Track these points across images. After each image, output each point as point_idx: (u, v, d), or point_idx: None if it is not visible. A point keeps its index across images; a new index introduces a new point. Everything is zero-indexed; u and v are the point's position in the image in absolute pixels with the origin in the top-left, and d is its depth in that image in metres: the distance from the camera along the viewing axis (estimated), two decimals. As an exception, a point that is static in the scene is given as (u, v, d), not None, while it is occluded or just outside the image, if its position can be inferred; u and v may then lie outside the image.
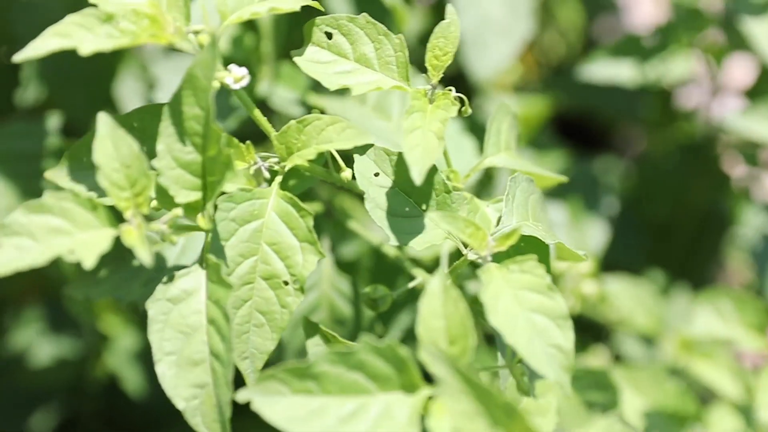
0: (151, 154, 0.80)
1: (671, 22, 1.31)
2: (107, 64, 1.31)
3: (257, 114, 0.85)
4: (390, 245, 1.00)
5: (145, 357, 1.43)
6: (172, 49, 1.39)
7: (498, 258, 0.82)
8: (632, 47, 1.30)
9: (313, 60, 0.85)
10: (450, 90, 0.84)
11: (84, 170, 0.84)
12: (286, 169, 0.84)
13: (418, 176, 0.79)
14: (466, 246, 0.83)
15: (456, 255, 1.02)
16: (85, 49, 0.75)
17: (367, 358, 0.72)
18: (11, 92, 1.33)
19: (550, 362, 0.75)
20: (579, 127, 1.68)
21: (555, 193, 1.35)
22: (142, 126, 0.84)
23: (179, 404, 0.78)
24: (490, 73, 1.32)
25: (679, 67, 1.28)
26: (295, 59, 0.85)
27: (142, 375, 1.43)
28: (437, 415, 0.72)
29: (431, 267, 1.02)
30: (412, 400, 0.73)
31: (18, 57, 0.75)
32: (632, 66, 1.29)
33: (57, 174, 0.85)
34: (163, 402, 1.41)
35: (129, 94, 1.38)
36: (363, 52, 0.85)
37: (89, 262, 0.73)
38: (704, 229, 1.49)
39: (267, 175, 0.84)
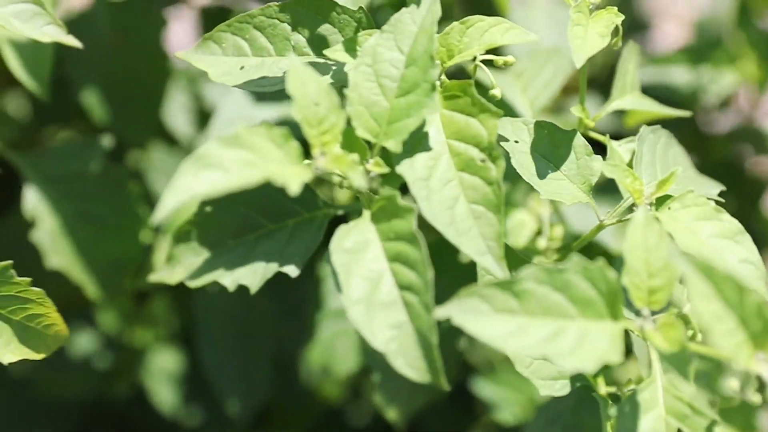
0: (298, 47, 0.84)
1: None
2: (157, 77, 1.30)
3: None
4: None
5: (175, 372, 1.40)
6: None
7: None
8: (686, 56, 1.35)
9: None
10: (614, 7, 0.86)
11: (220, 55, 0.86)
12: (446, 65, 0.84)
13: (578, 62, 0.81)
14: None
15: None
16: None
17: (574, 279, 0.72)
18: (62, 107, 1.31)
19: (744, 276, 0.78)
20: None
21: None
22: (295, 19, 0.85)
23: (379, 347, 0.75)
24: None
25: (727, 78, 1.33)
26: None
27: (170, 390, 1.39)
28: (656, 341, 0.73)
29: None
30: (612, 328, 0.73)
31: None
32: (686, 72, 1.34)
33: (191, 55, 0.86)
34: (184, 419, 1.38)
35: (177, 109, 1.38)
36: None
37: (294, 187, 0.72)
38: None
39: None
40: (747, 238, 0.80)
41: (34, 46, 1.09)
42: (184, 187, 0.71)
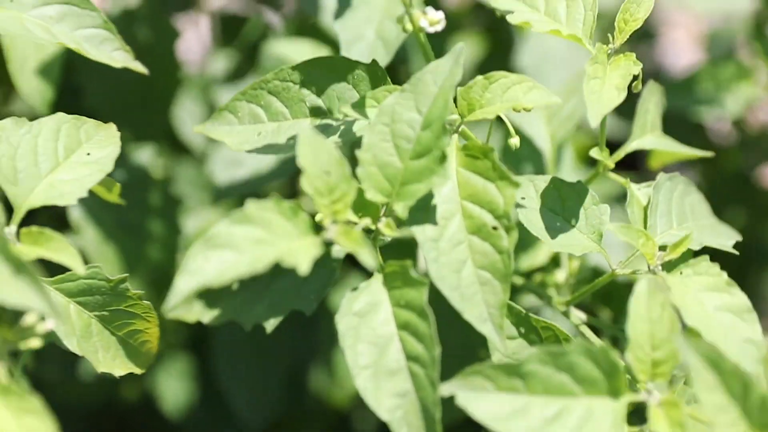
0: (314, 109, 0.84)
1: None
2: (168, 86, 1.29)
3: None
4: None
5: (184, 380, 1.42)
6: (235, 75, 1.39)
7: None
8: (703, 77, 1.34)
9: (509, 6, 0.86)
10: (632, 53, 0.85)
11: (236, 125, 0.86)
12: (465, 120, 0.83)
13: (593, 120, 0.80)
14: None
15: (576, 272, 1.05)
16: None
17: (578, 360, 0.73)
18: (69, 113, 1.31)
19: (744, 356, 0.78)
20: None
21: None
22: (308, 80, 0.85)
23: (384, 416, 0.76)
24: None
25: (744, 91, 1.32)
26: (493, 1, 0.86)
27: (179, 397, 1.41)
28: (658, 421, 0.73)
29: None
30: (616, 405, 0.73)
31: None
32: (705, 92, 1.34)
33: (209, 128, 0.87)
34: (192, 426, 1.40)
35: (187, 117, 1.37)
36: (554, 6, 0.86)
37: (304, 267, 0.72)
38: (746, 263, 1.49)
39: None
40: (754, 317, 0.80)
41: (42, 64, 1.09)
42: (195, 270, 0.71)
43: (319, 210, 0.76)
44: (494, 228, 0.79)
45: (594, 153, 0.91)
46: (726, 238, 0.93)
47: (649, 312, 0.75)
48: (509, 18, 0.85)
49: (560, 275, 1.02)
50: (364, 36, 0.99)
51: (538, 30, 0.85)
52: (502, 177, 0.79)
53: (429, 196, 0.80)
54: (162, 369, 1.40)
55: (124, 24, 1.26)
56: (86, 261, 1.15)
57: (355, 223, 0.79)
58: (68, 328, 0.84)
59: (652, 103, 0.98)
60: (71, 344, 0.84)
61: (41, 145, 0.83)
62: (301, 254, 0.73)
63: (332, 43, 1.19)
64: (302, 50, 1.19)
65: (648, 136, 0.97)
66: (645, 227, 0.88)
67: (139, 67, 0.90)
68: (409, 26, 0.81)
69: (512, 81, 0.82)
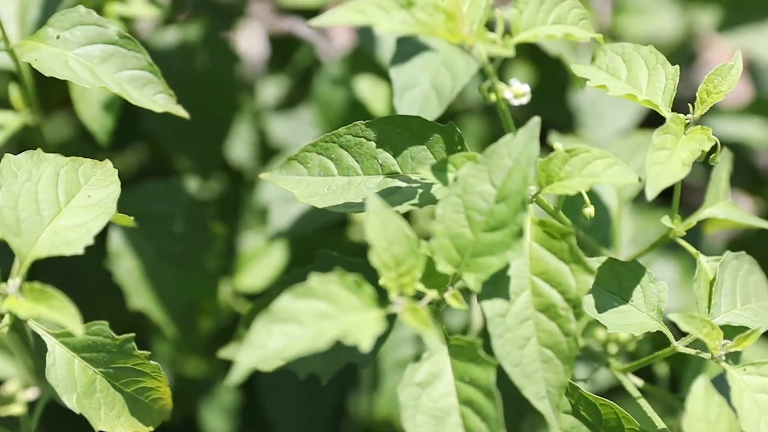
0: (387, 166, 0.84)
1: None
2: (225, 114, 1.28)
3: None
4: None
5: (229, 404, 1.41)
6: (278, 105, 1.37)
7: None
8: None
9: (588, 74, 0.86)
10: (708, 128, 0.83)
11: (306, 176, 0.85)
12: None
13: (650, 193, 0.78)
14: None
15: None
16: (380, 28, 0.73)
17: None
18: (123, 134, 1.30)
19: None
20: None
21: (664, 250, 1.35)
22: (382, 137, 0.84)
23: None
24: (606, 138, 1.33)
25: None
26: (572, 66, 0.87)
27: (223, 421, 1.40)
28: None
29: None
30: None
31: (315, 22, 0.73)
32: (762, 126, 1.31)
33: (277, 176, 0.85)
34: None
35: (240, 143, 1.36)
36: (636, 74, 0.85)
37: (366, 344, 0.70)
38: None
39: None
40: None
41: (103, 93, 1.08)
42: (258, 344, 0.69)
43: (385, 283, 0.74)
44: (563, 309, 0.77)
45: (665, 221, 0.90)
46: None
47: (706, 412, 0.75)
48: (588, 83, 0.84)
49: (623, 334, 1.01)
50: (418, 84, 0.98)
51: (614, 94, 0.84)
52: (577, 261, 0.77)
53: (502, 270, 0.77)
54: (206, 394, 1.39)
55: (182, 44, 1.24)
56: (123, 292, 1.14)
57: (423, 294, 0.77)
58: (68, 384, 0.82)
59: (724, 170, 0.97)
60: (69, 401, 0.82)
61: (42, 192, 0.81)
62: (363, 331, 0.71)
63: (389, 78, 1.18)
64: (360, 87, 1.17)
65: (720, 204, 0.95)
66: (709, 305, 0.87)
67: (180, 112, 0.89)
68: (492, 97, 0.79)
69: (593, 156, 0.80)
